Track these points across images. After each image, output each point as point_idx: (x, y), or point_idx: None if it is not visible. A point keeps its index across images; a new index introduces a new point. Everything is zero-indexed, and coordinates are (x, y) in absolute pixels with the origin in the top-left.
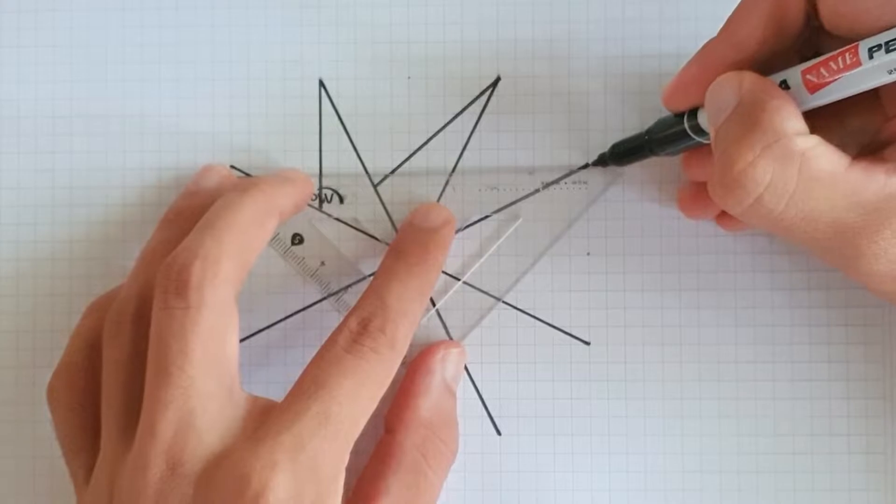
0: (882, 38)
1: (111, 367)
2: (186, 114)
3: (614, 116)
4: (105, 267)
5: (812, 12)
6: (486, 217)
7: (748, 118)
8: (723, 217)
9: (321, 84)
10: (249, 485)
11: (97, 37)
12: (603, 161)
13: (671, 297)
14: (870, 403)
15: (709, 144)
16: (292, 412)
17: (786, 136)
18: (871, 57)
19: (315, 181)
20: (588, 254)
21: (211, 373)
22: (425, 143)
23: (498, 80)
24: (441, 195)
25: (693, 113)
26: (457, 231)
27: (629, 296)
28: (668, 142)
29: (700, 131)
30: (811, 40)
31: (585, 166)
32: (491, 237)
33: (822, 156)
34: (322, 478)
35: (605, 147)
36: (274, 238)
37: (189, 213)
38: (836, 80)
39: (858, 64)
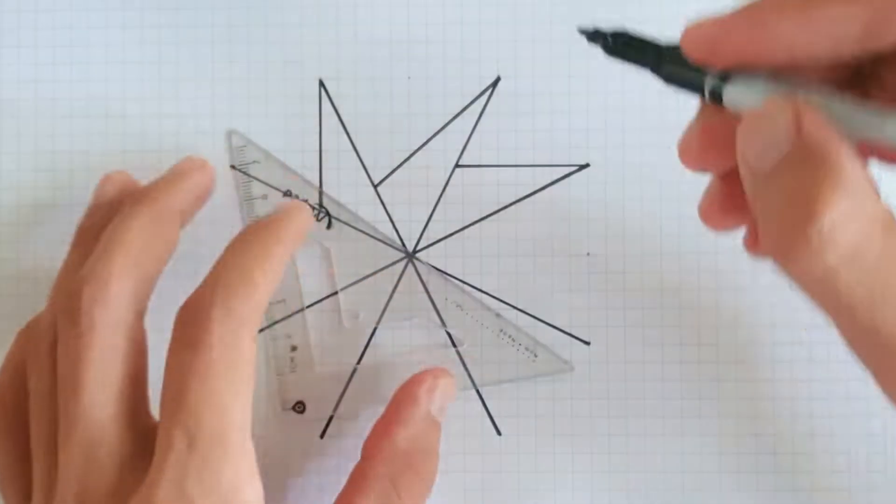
0: None
1: (35, 399)
2: (186, 114)
3: (614, 116)
4: None
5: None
6: (487, 217)
7: (824, 167)
8: (721, 200)
9: (321, 84)
10: None
11: (97, 37)
12: (599, 39)
13: (671, 296)
14: (869, 403)
15: (728, 112)
16: (161, 445)
17: (871, 198)
18: None
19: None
20: (588, 254)
21: (108, 398)
22: (425, 143)
23: (498, 80)
24: (441, 195)
25: (725, 76)
26: (457, 230)
27: (629, 296)
28: (679, 81)
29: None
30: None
31: (586, 165)
32: (491, 237)
33: None
34: (222, 497)
35: (604, 148)
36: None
37: (93, 231)
38: None
39: None
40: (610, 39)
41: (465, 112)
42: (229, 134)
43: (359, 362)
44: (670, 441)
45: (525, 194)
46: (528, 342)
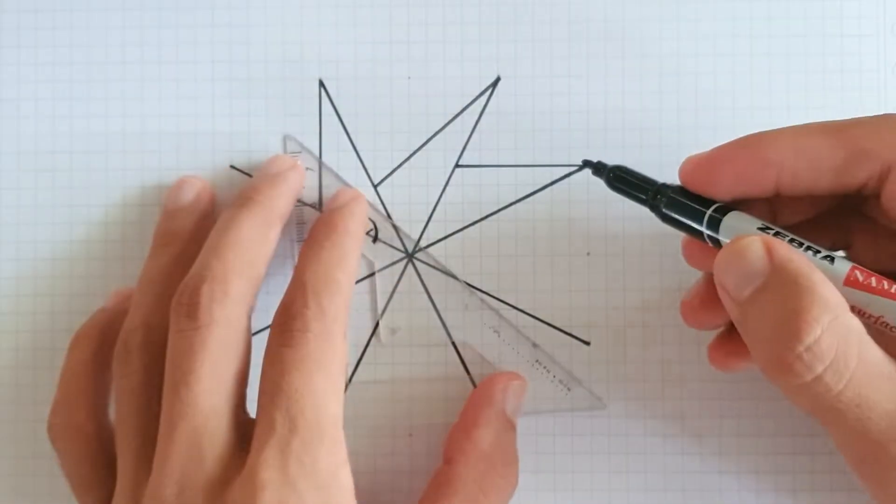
0: None
1: (123, 398)
2: (186, 114)
3: (614, 116)
4: (105, 267)
5: (872, 191)
6: (487, 217)
7: (799, 290)
8: (726, 346)
9: (321, 84)
10: None
11: (97, 37)
12: (597, 169)
13: (671, 296)
14: None
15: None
16: (262, 429)
17: (844, 314)
18: None
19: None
20: (588, 254)
21: (218, 390)
22: (425, 143)
23: (498, 80)
24: (441, 195)
25: (721, 209)
26: (457, 230)
27: (629, 296)
28: (675, 218)
29: (715, 227)
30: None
31: (582, 167)
32: (491, 237)
33: (872, 340)
34: (319, 477)
35: (604, 148)
36: None
37: (178, 234)
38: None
39: None
40: (610, 174)
41: (465, 112)
42: (284, 138)
43: (357, 367)
44: (670, 441)
45: (525, 194)
46: (562, 375)
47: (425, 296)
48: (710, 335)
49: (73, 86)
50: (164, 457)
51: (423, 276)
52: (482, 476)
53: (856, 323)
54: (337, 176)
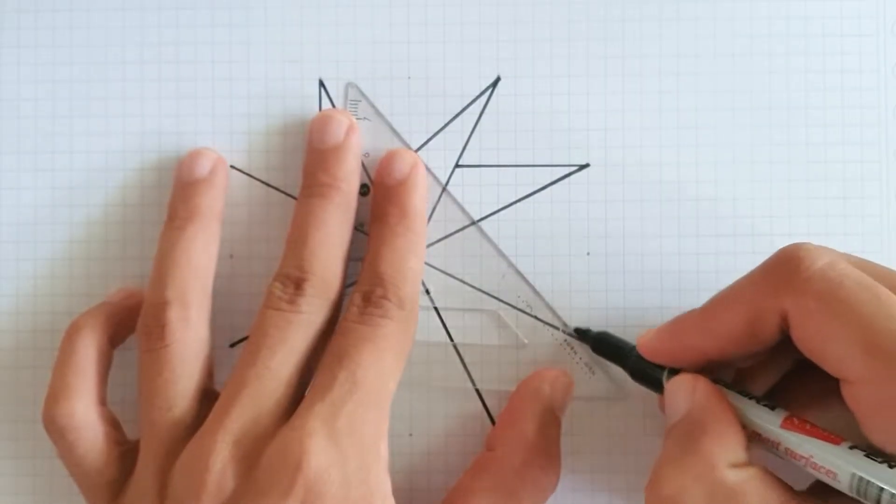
0: (871, 477)
1: (152, 371)
2: (186, 114)
3: (614, 117)
4: (105, 267)
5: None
6: (487, 217)
7: (688, 437)
8: None
9: (321, 84)
10: (289, 455)
11: (97, 37)
12: (583, 337)
13: (671, 297)
14: None
15: None
16: (321, 384)
17: (718, 467)
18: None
19: None
20: (588, 254)
21: (296, 365)
22: (425, 142)
23: (498, 80)
24: (441, 195)
25: (674, 371)
26: (458, 231)
27: (629, 295)
28: (645, 380)
29: None
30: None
31: (586, 165)
32: (491, 237)
33: (754, 491)
34: (363, 441)
35: (604, 148)
36: None
37: (197, 210)
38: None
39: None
40: (592, 338)
41: (465, 112)
42: (347, 86)
43: None
44: None
45: (525, 194)
46: (588, 359)
47: (426, 295)
48: None
49: (73, 86)
50: (223, 412)
51: (424, 278)
52: (522, 466)
53: (733, 478)
54: (391, 127)
